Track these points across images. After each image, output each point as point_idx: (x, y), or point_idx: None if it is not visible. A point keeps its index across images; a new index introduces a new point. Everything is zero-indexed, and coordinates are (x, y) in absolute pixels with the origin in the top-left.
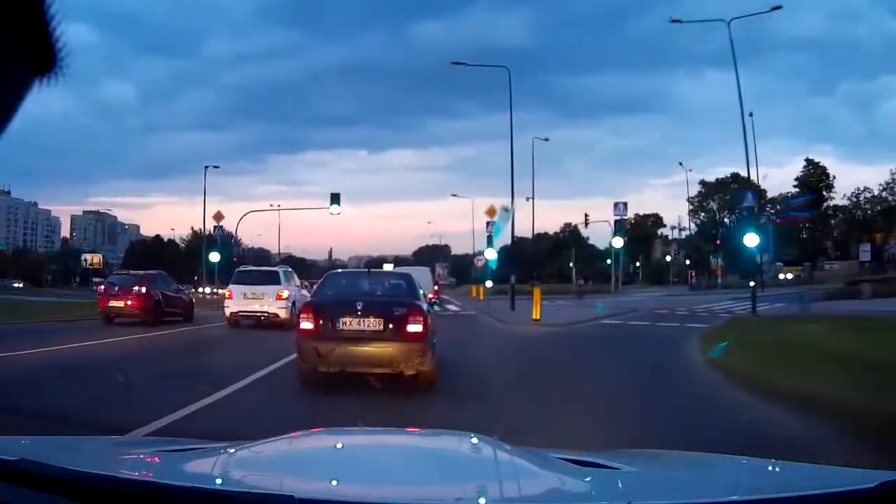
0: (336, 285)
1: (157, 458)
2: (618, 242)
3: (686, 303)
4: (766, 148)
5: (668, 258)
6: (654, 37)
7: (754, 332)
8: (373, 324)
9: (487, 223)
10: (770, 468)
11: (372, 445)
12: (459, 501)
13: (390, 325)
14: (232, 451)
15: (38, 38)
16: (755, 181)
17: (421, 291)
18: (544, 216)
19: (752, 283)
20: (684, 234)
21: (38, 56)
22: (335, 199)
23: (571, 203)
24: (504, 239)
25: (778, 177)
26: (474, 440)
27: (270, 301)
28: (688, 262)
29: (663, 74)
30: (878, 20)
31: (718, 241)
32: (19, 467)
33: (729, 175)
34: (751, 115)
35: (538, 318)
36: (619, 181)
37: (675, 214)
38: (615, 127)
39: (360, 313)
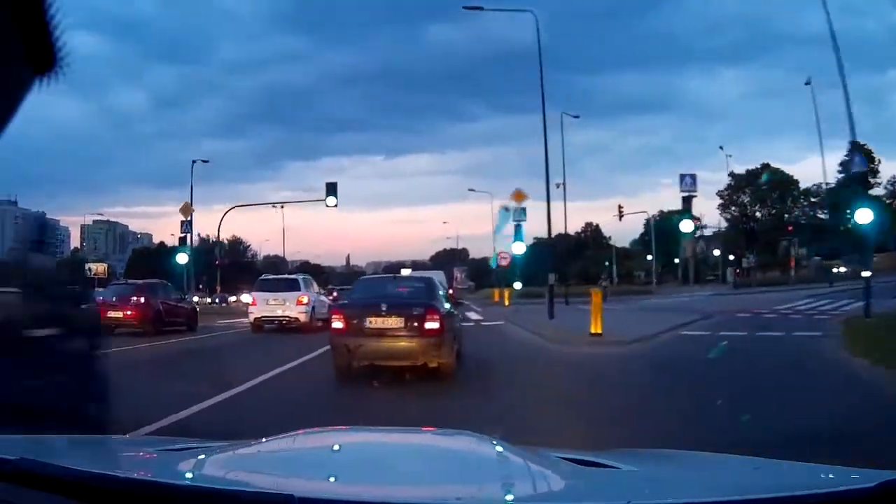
0: (366, 289)
1: (157, 458)
2: (687, 226)
3: (752, 303)
4: (779, 144)
5: (717, 252)
6: (666, 34)
7: None
8: (395, 322)
9: (514, 210)
10: (770, 468)
11: (372, 444)
12: (460, 501)
13: (410, 323)
14: (232, 450)
15: (38, 37)
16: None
17: (441, 293)
18: (561, 217)
19: (866, 273)
20: (706, 231)
21: (39, 55)
22: (331, 189)
23: (587, 205)
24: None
25: (794, 172)
26: (474, 439)
27: (291, 306)
28: (731, 257)
29: (675, 73)
30: (886, 14)
31: (790, 228)
32: (20, 467)
33: (759, 166)
34: (808, 83)
35: (598, 331)
36: (632, 182)
37: (696, 212)
38: (628, 127)
39: (383, 313)
